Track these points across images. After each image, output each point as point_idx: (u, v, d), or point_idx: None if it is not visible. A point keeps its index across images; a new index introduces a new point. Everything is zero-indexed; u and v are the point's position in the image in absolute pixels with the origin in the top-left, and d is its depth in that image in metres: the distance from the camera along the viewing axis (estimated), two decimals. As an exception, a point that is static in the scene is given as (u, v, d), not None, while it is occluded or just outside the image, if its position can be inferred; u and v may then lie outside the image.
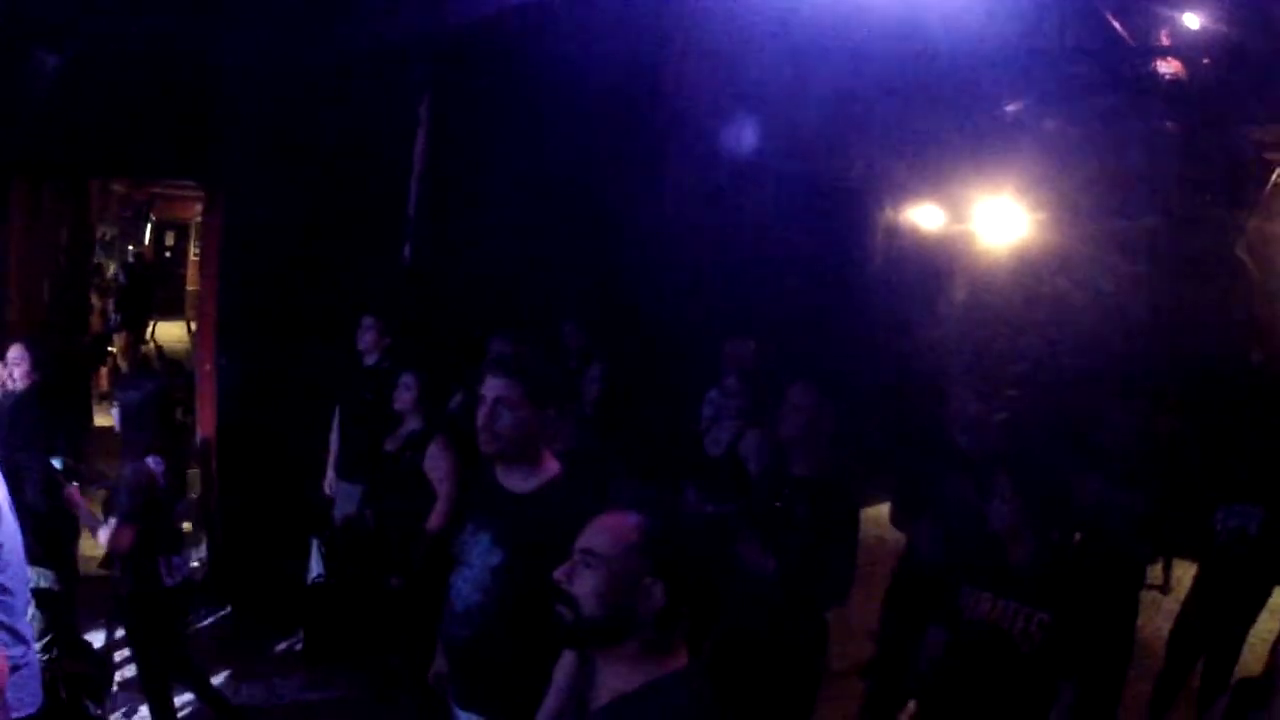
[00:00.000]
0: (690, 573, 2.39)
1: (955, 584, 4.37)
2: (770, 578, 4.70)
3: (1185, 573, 6.68)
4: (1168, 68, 10.94)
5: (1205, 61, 10.19)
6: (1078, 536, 5.26)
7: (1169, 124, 11.58)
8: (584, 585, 2.37)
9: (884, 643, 6.08)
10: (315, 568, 6.71)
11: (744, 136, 10.05)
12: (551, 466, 3.71)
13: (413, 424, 6.12)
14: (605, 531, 2.40)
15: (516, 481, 3.66)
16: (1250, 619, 6.31)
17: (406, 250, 8.35)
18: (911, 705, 5.60)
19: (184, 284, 20.96)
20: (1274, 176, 10.64)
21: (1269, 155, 10.86)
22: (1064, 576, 4.22)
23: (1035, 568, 4.18)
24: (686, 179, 9.71)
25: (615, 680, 2.38)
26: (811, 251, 10.93)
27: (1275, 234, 10.71)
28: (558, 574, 2.41)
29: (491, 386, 3.59)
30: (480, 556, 3.62)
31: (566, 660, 3.30)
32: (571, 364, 7.72)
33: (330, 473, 7.17)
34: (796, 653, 4.85)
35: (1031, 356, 13.10)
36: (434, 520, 5.68)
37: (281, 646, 7.00)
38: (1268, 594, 6.36)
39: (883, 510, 6.52)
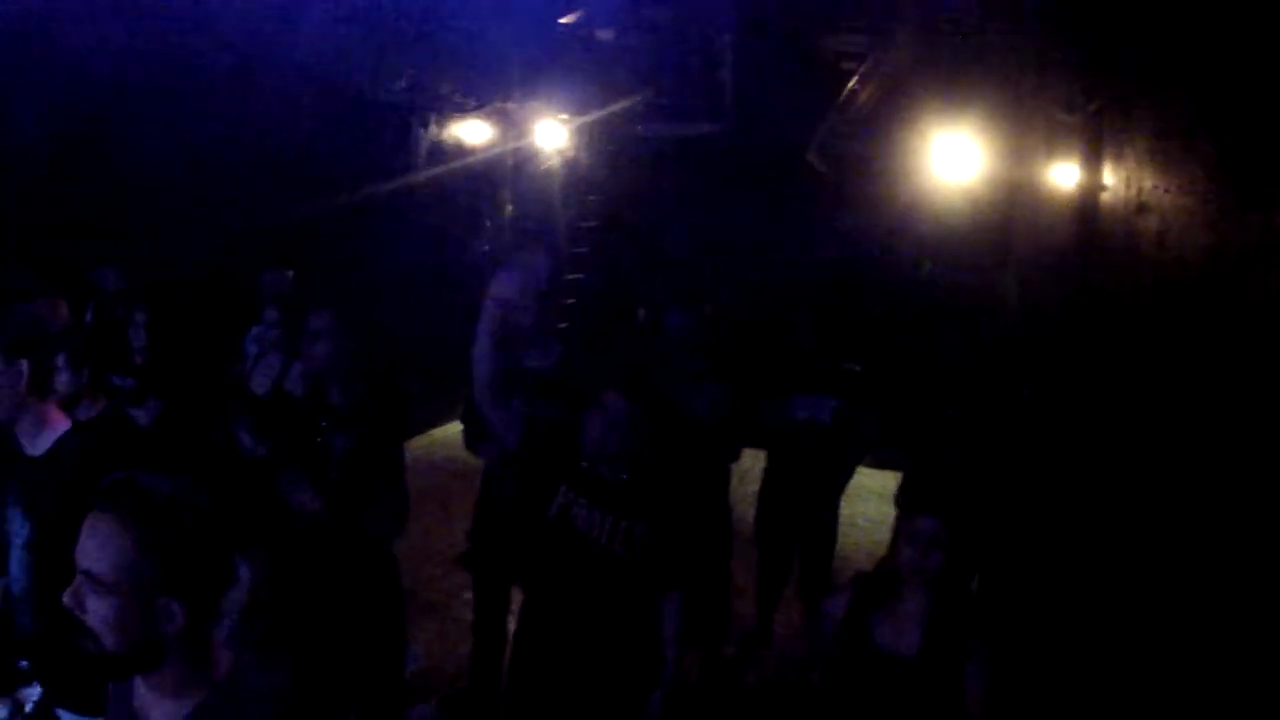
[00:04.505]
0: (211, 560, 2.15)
1: (546, 486, 4.27)
2: (320, 516, 4.56)
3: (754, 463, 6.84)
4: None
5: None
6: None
7: (728, 35, 11.87)
8: (96, 614, 2.08)
9: (477, 563, 6.05)
10: None
11: (278, 54, 9.66)
12: (59, 423, 3.53)
13: None
14: (101, 548, 2.08)
15: (29, 443, 3.49)
16: (831, 504, 6.53)
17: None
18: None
19: None
20: (850, 85, 10.96)
21: (845, 65, 11.16)
22: (656, 486, 4.25)
23: (630, 481, 4.19)
24: (215, 105, 9.23)
25: (163, 705, 2.19)
26: (353, 171, 10.65)
27: (852, 141, 10.99)
28: (66, 599, 2.11)
29: None
30: (17, 534, 3.45)
31: None
32: (119, 312, 7.23)
33: None
34: (367, 589, 4.74)
35: (580, 271, 13.40)
36: None
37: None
38: (844, 480, 6.55)
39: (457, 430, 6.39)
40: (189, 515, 2.12)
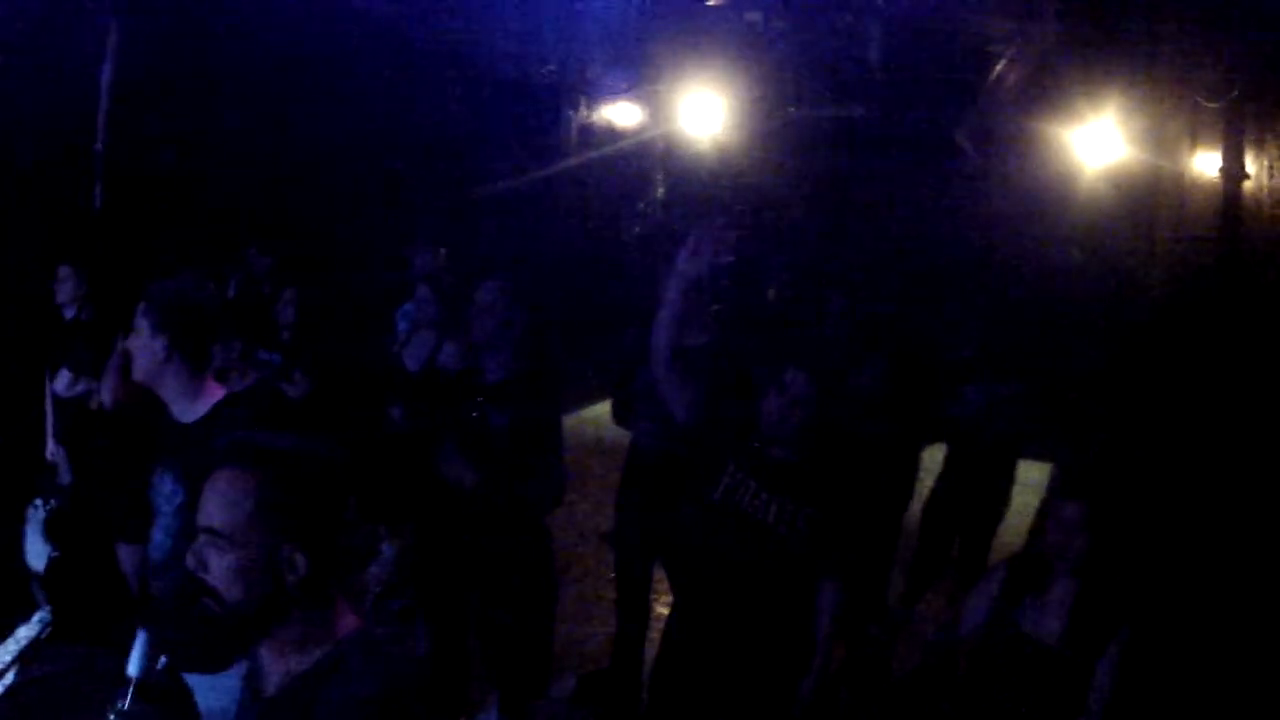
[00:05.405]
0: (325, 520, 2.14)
1: (712, 466, 4.20)
2: (475, 491, 4.65)
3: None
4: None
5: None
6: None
7: (879, 15, 11.79)
8: (218, 571, 2.06)
9: (619, 541, 6.09)
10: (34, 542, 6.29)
11: (431, 36, 9.87)
12: (215, 391, 3.63)
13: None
14: (222, 501, 2.08)
15: (183, 413, 3.60)
16: (1005, 496, 6.51)
17: (97, 190, 7.89)
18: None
19: None
20: (997, 68, 10.82)
21: (991, 48, 11.05)
22: (829, 471, 4.18)
23: (803, 464, 4.13)
24: (371, 89, 9.46)
25: (284, 664, 2.16)
26: (503, 153, 10.83)
27: (998, 124, 10.84)
28: (189, 560, 2.10)
29: None
30: (167, 500, 3.52)
31: None
32: (265, 290, 7.52)
33: (50, 439, 6.78)
34: (520, 563, 4.81)
35: (739, 250, 13.34)
36: None
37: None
38: (1013, 469, 6.55)
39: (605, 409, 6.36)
40: (307, 465, 2.13)
